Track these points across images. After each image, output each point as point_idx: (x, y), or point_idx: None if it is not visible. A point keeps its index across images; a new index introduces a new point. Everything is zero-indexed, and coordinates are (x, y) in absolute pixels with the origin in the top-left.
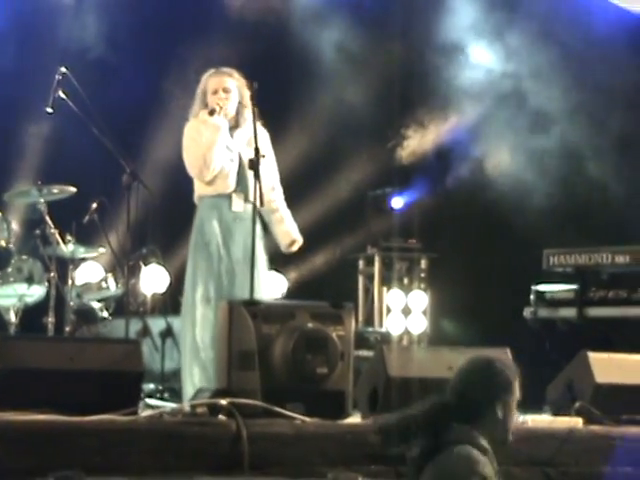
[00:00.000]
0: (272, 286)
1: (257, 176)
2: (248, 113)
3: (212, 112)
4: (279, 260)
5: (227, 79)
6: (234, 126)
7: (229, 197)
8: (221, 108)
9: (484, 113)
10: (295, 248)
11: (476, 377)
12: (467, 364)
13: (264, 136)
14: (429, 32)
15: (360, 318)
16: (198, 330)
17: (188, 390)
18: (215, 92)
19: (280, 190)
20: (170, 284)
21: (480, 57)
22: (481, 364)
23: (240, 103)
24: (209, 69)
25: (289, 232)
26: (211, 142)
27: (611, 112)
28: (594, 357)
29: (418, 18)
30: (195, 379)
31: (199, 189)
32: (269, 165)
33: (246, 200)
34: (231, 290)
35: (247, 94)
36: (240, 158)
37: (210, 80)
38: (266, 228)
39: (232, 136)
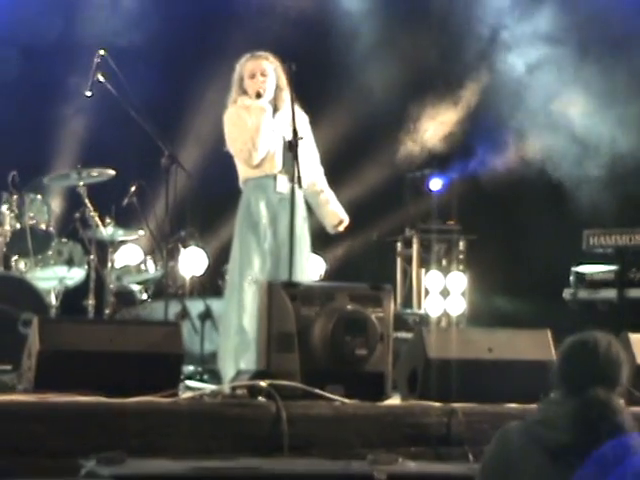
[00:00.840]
0: (314, 268)
1: (295, 157)
2: (286, 95)
3: (259, 95)
4: (318, 242)
5: (264, 62)
6: (274, 109)
7: (274, 178)
8: (264, 91)
9: (519, 94)
10: (342, 228)
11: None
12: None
13: (303, 118)
14: (467, 15)
15: (398, 300)
16: (246, 314)
17: (229, 372)
18: (252, 76)
19: (322, 171)
20: (209, 266)
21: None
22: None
23: (277, 86)
24: (244, 55)
25: (336, 212)
26: (258, 125)
27: None
28: (635, 338)
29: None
30: (240, 362)
31: (245, 172)
32: (309, 147)
33: (290, 181)
34: (276, 272)
35: (283, 77)
36: (283, 140)
37: (247, 65)
38: (310, 210)
39: (273, 118)
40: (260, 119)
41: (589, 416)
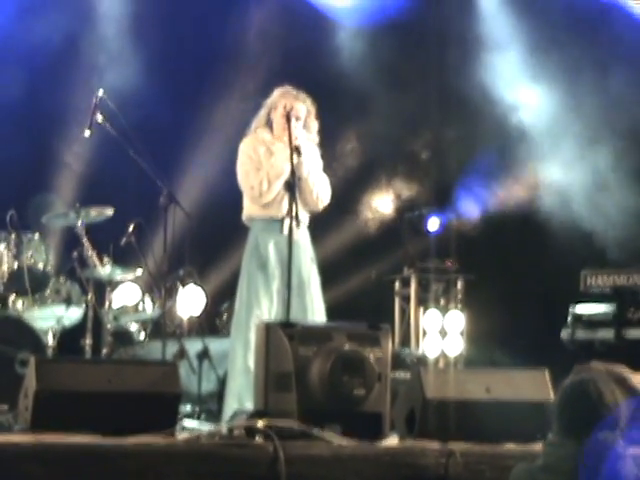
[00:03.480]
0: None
1: (293, 197)
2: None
3: (299, 152)
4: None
5: (301, 106)
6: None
7: (280, 221)
8: (300, 143)
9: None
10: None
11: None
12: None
13: (313, 151)
14: (465, 50)
15: (396, 339)
16: (251, 354)
17: (231, 413)
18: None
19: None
20: (207, 305)
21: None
22: None
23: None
24: (284, 85)
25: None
26: (281, 172)
27: None
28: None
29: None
30: (245, 402)
31: (250, 209)
32: (318, 175)
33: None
34: (283, 312)
35: (314, 124)
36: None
37: (283, 100)
38: (316, 250)
39: None
40: (285, 167)
41: (590, 459)
